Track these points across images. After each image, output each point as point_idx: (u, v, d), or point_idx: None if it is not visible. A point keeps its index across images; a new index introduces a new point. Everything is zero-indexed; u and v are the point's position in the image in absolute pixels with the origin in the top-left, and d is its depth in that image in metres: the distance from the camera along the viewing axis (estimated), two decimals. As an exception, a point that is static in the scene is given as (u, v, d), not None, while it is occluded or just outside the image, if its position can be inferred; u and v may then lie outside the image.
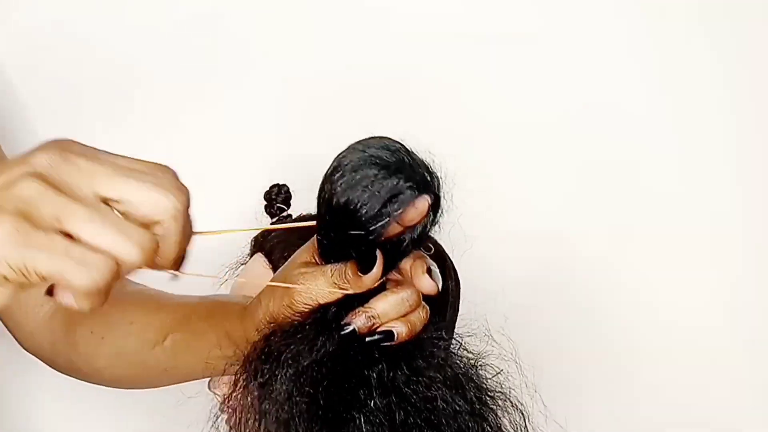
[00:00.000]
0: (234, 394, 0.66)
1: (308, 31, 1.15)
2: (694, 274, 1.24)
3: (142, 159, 0.56)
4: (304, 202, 0.91)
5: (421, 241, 0.66)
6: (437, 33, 1.17)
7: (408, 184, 0.62)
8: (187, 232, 0.56)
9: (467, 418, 0.65)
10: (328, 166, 0.63)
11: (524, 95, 1.19)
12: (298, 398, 0.63)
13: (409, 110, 1.16)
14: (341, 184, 0.62)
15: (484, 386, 0.68)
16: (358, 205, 0.61)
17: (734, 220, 1.24)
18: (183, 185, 0.55)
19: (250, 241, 0.93)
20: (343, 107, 1.15)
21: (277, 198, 0.94)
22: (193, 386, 0.84)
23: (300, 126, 1.16)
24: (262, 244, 0.91)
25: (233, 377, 0.67)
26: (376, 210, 0.61)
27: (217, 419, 0.72)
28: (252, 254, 0.92)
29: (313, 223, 0.65)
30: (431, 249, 0.70)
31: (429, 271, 0.66)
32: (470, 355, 0.69)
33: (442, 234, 0.89)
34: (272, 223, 0.94)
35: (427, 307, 0.67)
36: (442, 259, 0.88)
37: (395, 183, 0.62)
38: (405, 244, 0.65)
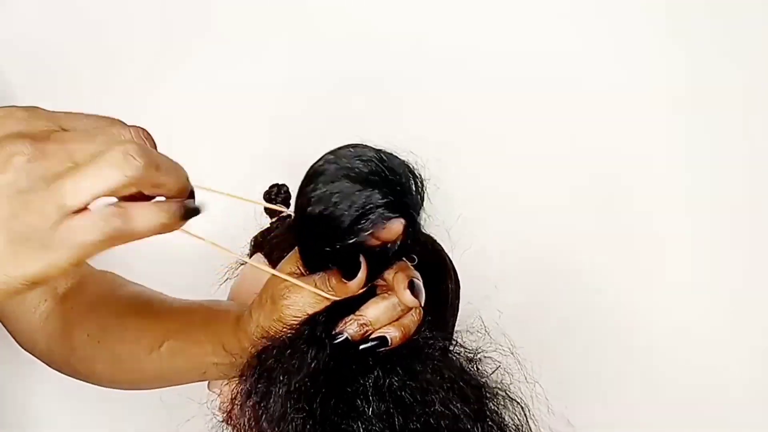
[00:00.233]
0: (233, 411, 0.66)
1: (308, 32, 1.15)
2: (693, 272, 1.24)
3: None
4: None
5: (404, 252, 0.65)
6: (438, 33, 1.17)
7: (381, 201, 0.60)
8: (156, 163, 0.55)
9: (467, 419, 0.64)
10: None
11: (525, 95, 1.19)
12: (293, 415, 0.62)
13: (409, 110, 1.16)
14: (314, 197, 0.61)
15: (483, 384, 0.67)
16: (330, 218, 0.60)
17: (731, 221, 1.24)
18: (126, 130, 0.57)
19: (249, 241, 0.93)
20: (343, 107, 1.15)
21: (277, 198, 0.94)
22: (195, 387, 0.84)
23: (300, 126, 1.16)
24: (262, 244, 0.91)
25: (231, 393, 0.67)
26: (345, 226, 0.60)
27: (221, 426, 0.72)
28: (252, 254, 0.92)
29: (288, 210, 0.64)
30: (415, 260, 0.68)
31: (411, 285, 0.65)
32: (468, 354, 0.68)
33: (442, 234, 0.90)
34: (272, 224, 0.94)
35: (421, 309, 0.66)
36: (442, 259, 0.88)
37: (366, 198, 0.60)
38: (387, 253, 0.63)
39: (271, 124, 1.17)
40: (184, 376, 0.82)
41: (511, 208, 1.20)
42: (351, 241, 0.60)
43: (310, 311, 0.65)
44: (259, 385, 0.64)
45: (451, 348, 0.68)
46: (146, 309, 0.85)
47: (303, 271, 0.65)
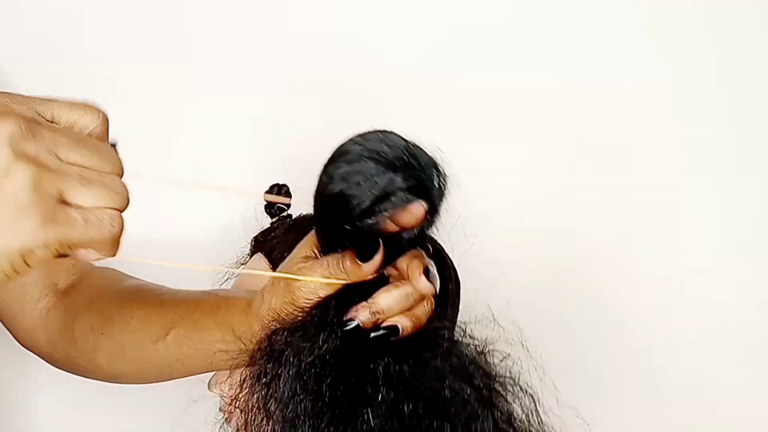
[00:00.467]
0: (240, 395, 0.66)
1: (309, 31, 1.15)
2: (698, 262, 1.24)
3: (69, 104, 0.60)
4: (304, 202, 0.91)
5: (419, 240, 0.65)
6: (438, 33, 1.17)
7: (404, 185, 0.61)
8: None
9: (476, 405, 0.64)
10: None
11: (525, 94, 1.19)
12: (302, 396, 0.62)
13: (410, 110, 1.16)
14: (336, 175, 0.61)
15: (492, 372, 0.67)
16: (350, 198, 0.60)
17: (740, 212, 1.24)
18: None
19: (250, 241, 0.93)
20: (343, 107, 1.15)
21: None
22: (198, 388, 0.84)
23: (300, 126, 1.16)
24: (263, 244, 0.91)
25: (239, 377, 0.67)
26: (366, 206, 0.60)
27: (222, 422, 0.72)
28: (252, 254, 0.92)
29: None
30: (429, 249, 0.68)
31: (426, 272, 0.65)
32: (477, 344, 0.68)
33: (442, 234, 0.90)
34: (272, 223, 0.94)
35: (432, 300, 0.66)
36: (442, 259, 0.88)
37: (389, 181, 0.60)
38: (402, 241, 0.63)
39: (271, 124, 1.17)
40: (190, 367, 0.81)
41: (512, 208, 1.20)
42: (370, 222, 0.60)
43: (323, 294, 0.65)
44: (269, 367, 0.64)
45: (460, 339, 0.68)
46: (151, 299, 0.85)
47: (318, 254, 0.65)
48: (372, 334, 0.63)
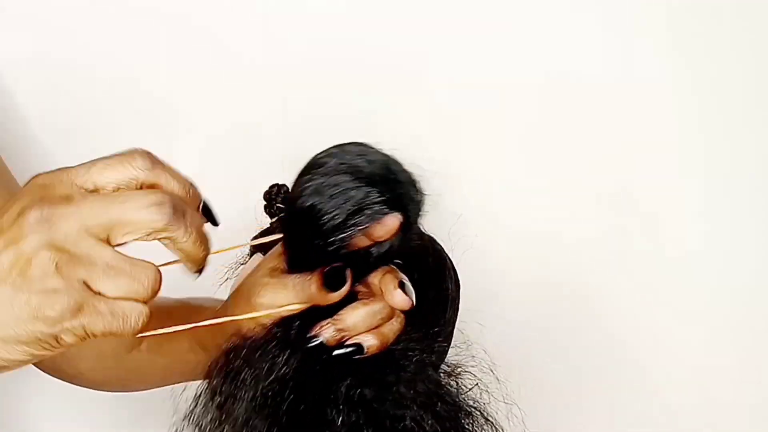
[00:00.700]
0: (195, 410, 0.63)
1: (309, 31, 1.15)
2: (698, 276, 1.24)
3: (114, 171, 0.57)
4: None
5: (390, 256, 0.62)
6: (436, 33, 1.17)
7: (379, 198, 0.58)
8: (191, 232, 0.56)
9: None
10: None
11: (525, 95, 1.19)
12: (257, 422, 0.60)
13: (410, 110, 1.16)
14: (308, 187, 0.59)
15: (458, 402, 0.64)
16: (322, 212, 0.58)
17: (734, 217, 1.24)
18: (160, 198, 0.55)
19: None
20: (343, 107, 1.15)
21: (276, 198, 0.94)
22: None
23: (300, 126, 1.16)
24: (262, 245, 0.91)
25: (195, 391, 0.65)
26: (339, 220, 0.58)
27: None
28: (251, 254, 0.92)
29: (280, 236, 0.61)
30: (399, 263, 0.66)
31: (402, 286, 0.63)
32: (446, 368, 0.66)
33: (442, 234, 0.89)
34: (272, 224, 0.93)
35: (402, 317, 0.64)
36: (442, 259, 0.88)
37: (364, 195, 0.58)
38: (372, 257, 0.61)
39: (271, 124, 1.17)
40: (165, 376, 0.81)
41: (512, 208, 1.20)
42: (340, 237, 0.58)
43: (285, 314, 0.63)
44: (224, 387, 0.62)
45: (428, 360, 0.65)
46: None
47: (285, 267, 0.63)
48: (335, 352, 0.61)
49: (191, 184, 0.58)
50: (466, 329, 0.86)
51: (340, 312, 0.61)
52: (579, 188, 1.21)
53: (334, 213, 0.58)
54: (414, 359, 0.63)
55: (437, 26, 1.17)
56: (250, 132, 1.16)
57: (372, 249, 0.61)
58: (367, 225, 0.58)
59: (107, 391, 0.91)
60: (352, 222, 0.58)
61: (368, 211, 0.58)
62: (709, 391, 1.26)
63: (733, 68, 1.21)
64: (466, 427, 0.64)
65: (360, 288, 0.63)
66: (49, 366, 0.91)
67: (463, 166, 1.18)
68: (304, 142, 1.14)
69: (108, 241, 0.54)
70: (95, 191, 0.55)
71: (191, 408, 0.63)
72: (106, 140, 1.12)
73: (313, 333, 0.61)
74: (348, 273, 0.60)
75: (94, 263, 0.53)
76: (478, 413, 0.65)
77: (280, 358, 0.61)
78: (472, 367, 0.69)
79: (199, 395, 0.63)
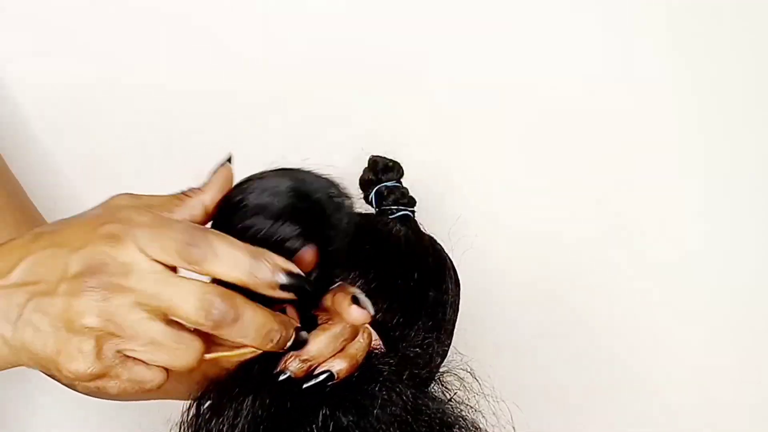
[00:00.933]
0: None
1: (309, 31, 1.15)
2: (698, 276, 1.24)
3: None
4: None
5: (328, 278, 0.61)
6: (436, 34, 1.17)
7: (291, 234, 0.59)
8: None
9: None
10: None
11: (524, 95, 1.19)
12: None
13: (410, 110, 1.16)
14: (234, 231, 0.59)
15: (438, 418, 0.63)
16: None
17: (734, 217, 1.24)
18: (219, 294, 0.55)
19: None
20: (343, 107, 1.15)
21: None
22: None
23: (300, 126, 1.16)
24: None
25: None
26: None
27: None
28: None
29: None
30: (337, 276, 0.65)
31: (355, 300, 0.62)
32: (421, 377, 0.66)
33: (442, 234, 0.90)
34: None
35: (369, 331, 0.63)
36: (442, 259, 0.88)
37: (275, 233, 0.59)
38: (312, 285, 0.59)
39: (271, 124, 1.17)
40: (151, 396, 0.81)
41: (512, 208, 1.20)
42: None
43: (248, 357, 0.62)
44: None
45: (403, 376, 0.64)
46: None
47: None
48: (305, 385, 0.60)
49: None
50: (465, 329, 0.86)
51: None
52: (579, 188, 1.21)
53: None
54: (386, 378, 0.62)
55: (437, 26, 1.17)
56: (250, 132, 1.16)
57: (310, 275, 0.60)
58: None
59: (98, 398, 0.91)
60: None
61: (282, 250, 0.58)
62: (709, 391, 1.26)
63: (733, 68, 1.21)
64: None
65: (319, 312, 0.63)
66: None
67: (463, 166, 1.18)
68: (304, 142, 1.15)
69: (164, 316, 0.55)
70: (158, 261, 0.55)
71: None
72: (106, 140, 1.13)
73: (279, 369, 0.60)
74: (290, 311, 0.60)
75: (136, 337, 0.55)
76: (463, 422, 0.64)
77: (247, 402, 0.60)
78: (466, 369, 0.68)
79: None
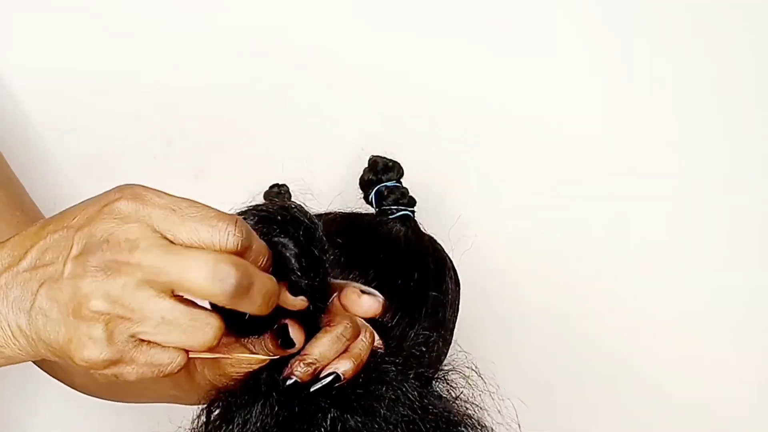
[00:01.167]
0: None
1: (310, 31, 1.15)
2: (699, 276, 1.24)
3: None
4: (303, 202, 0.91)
5: (322, 282, 0.60)
6: (436, 34, 1.17)
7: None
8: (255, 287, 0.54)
9: None
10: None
11: (524, 96, 1.19)
12: None
13: (409, 111, 1.16)
14: None
15: (444, 417, 0.63)
16: None
17: (734, 217, 1.24)
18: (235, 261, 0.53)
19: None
20: (343, 107, 1.15)
21: (276, 198, 0.94)
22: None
23: (300, 125, 1.16)
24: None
25: None
26: None
27: None
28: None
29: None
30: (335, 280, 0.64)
31: (362, 292, 0.61)
32: (427, 375, 0.65)
33: (442, 234, 0.90)
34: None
35: (371, 330, 0.62)
36: (442, 259, 0.88)
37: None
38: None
39: (271, 124, 1.17)
40: (157, 398, 0.81)
41: (512, 209, 1.20)
42: None
43: (255, 367, 0.62)
44: None
45: (410, 375, 0.64)
46: None
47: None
48: (312, 388, 0.59)
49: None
50: (465, 329, 0.86)
51: (305, 347, 0.60)
52: (579, 188, 1.21)
53: None
54: (392, 377, 0.62)
55: (438, 26, 1.17)
56: (250, 132, 1.16)
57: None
58: None
59: (102, 399, 0.91)
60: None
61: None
62: (709, 391, 1.26)
63: (733, 68, 1.21)
64: None
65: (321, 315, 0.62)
66: (48, 371, 0.92)
67: (463, 166, 1.18)
68: (304, 142, 1.15)
69: (171, 293, 0.53)
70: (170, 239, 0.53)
71: None
72: (106, 140, 1.13)
73: (285, 374, 0.60)
74: (292, 324, 0.59)
75: (147, 318, 0.52)
76: (469, 420, 0.64)
77: (257, 408, 0.60)
78: (470, 367, 0.68)
79: None
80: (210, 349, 0.57)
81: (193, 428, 0.64)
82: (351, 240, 0.81)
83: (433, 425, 0.61)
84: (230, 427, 0.61)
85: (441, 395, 0.65)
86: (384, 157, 0.91)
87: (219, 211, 0.53)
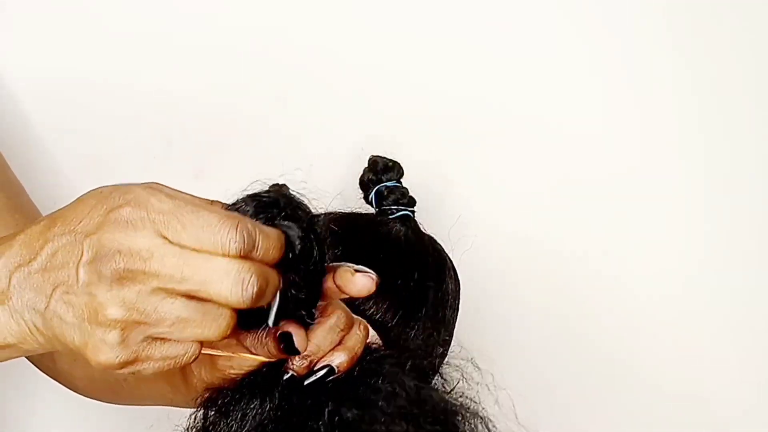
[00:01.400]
0: None
1: (310, 31, 1.15)
2: (699, 276, 1.24)
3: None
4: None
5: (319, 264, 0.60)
6: (436, 33, 1.17)
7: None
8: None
9: None
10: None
11: (524, 96, 1.19)
12: None
13: (409, 111, 1.16)
14: None
15: (441, 409, 0.63)
16: None
17: (734, 217, 1.24)
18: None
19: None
20: (343, 107, 1.15)
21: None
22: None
23: (300, 125, 1.16)
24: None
25: None
26: None
27: None
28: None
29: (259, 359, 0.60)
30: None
31: (357, 271, 0.61)
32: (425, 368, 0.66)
33: (442, 234, 0.90)
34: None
35: (365, 322, 0.63)
36: (442, 259, 0.88)
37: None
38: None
39: (271, 124, 1.17)
40: (156, 401, 0.82)
41: (512, 208, 1.20)
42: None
43: (253, 368, 0.62)
44: None
45: (404, 359, 0.64)
46: None
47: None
48: (306, 381, 0.60)
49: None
50: (465, 329, 0.86)
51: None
52: (579, 187, 1.21)
53: None
54: (388, 370, 0.62)
55: (438, 26, 1.17)
56: (250, 132, 1.16)
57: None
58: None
59: (102, 402, 0.91)
60: None
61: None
62: (709, 390, 1.26)
63: (733, 68, 1.21)
64: (457, 425, 0.63)
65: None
66: (48, 372, 0.92)
67: (463, 166, 1.18)
68: (304, 142, 1.15)
69: (185, 294, 0.53)
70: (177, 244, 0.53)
71: None
72: (107, 140, 1.13)
73: (281, 369, 0.61)
74: (294, 328, 0.59)
75: (162, 320, 0.53)
76: (466, 411, 0.64)
77: (254, 404, 0.61)
78: (467, 359, 0.68)
79: None
80: (216, 346, 0.58)
81: (189, 425, 0.64)
82: (351, 240, 0.81)
83: (430, 417, 0.61)
84: (228, 420, 0.61)
85: (437, 388, 0.65)
86: (384, 157, 0.91)
87: (221, 214, 0.54)
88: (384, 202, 0.88)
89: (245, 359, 0.61)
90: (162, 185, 0.56)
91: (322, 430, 0.60)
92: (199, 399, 0.64)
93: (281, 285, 0.57)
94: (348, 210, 0.89)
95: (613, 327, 1.24)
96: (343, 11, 1.16)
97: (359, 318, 0.63)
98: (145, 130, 1.14)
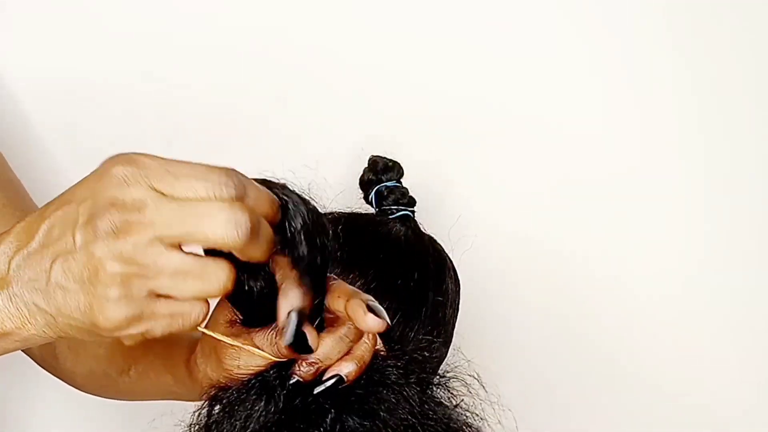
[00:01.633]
0: None
1: (310, 31, 1.15)
2: (699, 276, 1.24)
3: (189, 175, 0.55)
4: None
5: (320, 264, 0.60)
6: (436, 34, 1.17)
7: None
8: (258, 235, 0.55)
9: None
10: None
11: (524, 96, 1.19)
12: None
13: (409, 111, 1.16)
14: None
15: (444, 423, 0.63)
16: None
17: (734, 217, 1.24)
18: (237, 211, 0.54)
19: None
20: (343, 107, 1.15)
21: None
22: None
23: (300, 125, 1.16)
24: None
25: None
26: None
27: None
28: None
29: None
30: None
31: (369, 308, 0.61)
32: (437, 378, 0.65)
33: (442, 234, 0.90)
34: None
35: (374, 332, 0.62)
36: (442, 259, 0.88)
37: None
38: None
39: (271, 124, 1.17)
40: (157, 396, 0.82)
41: (512, 208, 1.20)
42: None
43: (261, 368, 0.62)
44: None
45: (411, 376, 0.64)
46: None
47: (239, 319, 0.62)
48: (315, 390, 0.60)
49: (278, 206, 0.58)
50: (465, 329, 0.86)
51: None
52: (579, 187, 1.21)
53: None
54: (393, 380, 0.62)
55: (438, 26, 1.17)
56: (250, 132, 1.16)
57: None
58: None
59: (103, 397, 0.91)
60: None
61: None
62: (709, 391, 1.26)
63: (733, 68, 1.21)
64: None
65: (325, 314, 0.62)
66: (49, 369, 0.92)
67: (463, 166, 1.18)
68: (304, 142, 1.15)
69: (179, 247, 0.54)
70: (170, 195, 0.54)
71: None
72: (106, 140, 1.13)
73: (288, 373, 0.61)
74: (308, 331, 0.59)
75: (162, 272, 0.53)
76: (468, 428, 0.64)
77: (259, 407, 0.61)
78: (472, 375, 0.68)
79: None
80: (226, 334, 0.59)
81: (193, 422, 0.64)
82: (351, 240, 0.82)
83: (432, 431, 0.61)
84: (232, 420, 0.61)
85: (441, 402, 0.65)
86: (384, 157, 0.91)
87: (211, 165, 0.56)
88: (384, 202, 0.88)
89: (253, 355, 0.61)
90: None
91: None
92: (205, 394, 0.64)
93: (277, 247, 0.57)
94: (348, 210, 0.89)
95: (613, 327, 1.24)
96: (343, 11, 1.16)
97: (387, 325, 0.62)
98: (145, 130, 1.14)
